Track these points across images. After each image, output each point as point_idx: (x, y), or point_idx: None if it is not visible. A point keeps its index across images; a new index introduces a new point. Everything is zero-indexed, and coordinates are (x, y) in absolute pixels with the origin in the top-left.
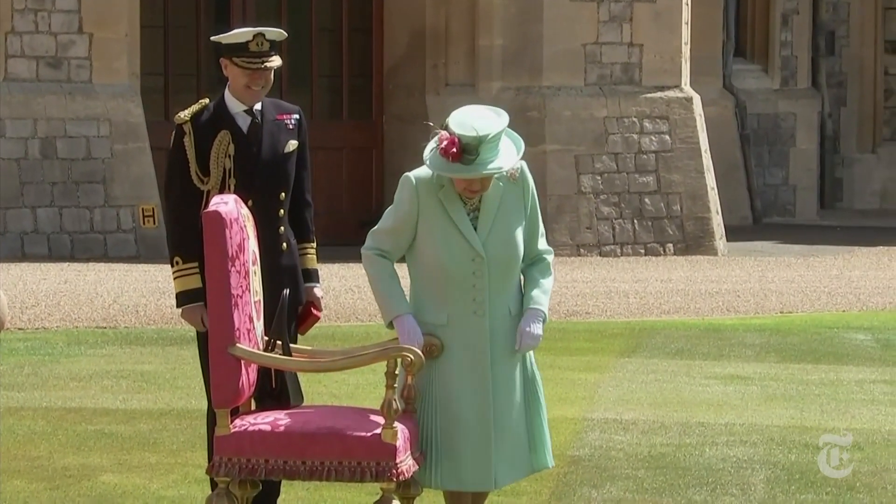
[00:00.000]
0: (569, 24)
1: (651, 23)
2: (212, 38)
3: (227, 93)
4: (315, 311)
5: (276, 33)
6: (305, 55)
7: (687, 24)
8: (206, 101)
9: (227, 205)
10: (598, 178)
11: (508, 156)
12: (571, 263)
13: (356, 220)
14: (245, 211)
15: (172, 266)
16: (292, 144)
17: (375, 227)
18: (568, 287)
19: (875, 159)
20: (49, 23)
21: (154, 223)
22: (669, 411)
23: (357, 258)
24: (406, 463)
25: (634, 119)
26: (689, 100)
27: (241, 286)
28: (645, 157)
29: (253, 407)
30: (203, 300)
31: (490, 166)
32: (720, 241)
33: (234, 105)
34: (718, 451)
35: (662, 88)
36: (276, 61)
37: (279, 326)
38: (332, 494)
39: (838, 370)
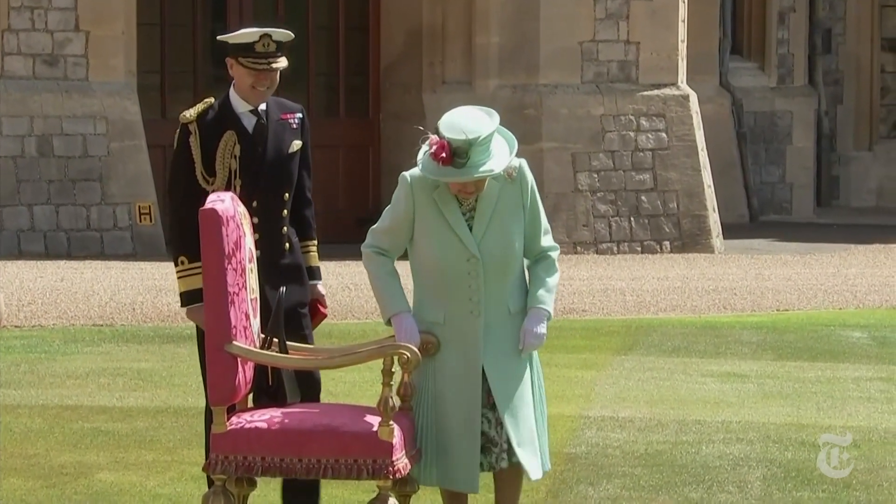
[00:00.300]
0: (565, 22)
1: (647, 20)
2: (218, 37)
3: (231, 92)
4: (321, 309)
5: (282, 34)
6: (302, 53)
7: (683, 21)
8: (211, 100)
9: (224, 202)
10: (595, 175)
11: (501, 156)
12: (568, 261)
13: (353, 217)
14: (241, 208)
15: (176, 265)
16: (296, 144)
17: (375, 225)
18: (565, 285)
19: (871, 157)
20: (46, 20)
21: (151, 221)
22: (666, 409)
23: (353, 256)
24: (402, 460)
25: (631, 117)
26: (686, 97)
27: (238, 284)
28: (641, 154)
29: (250, 404)
30: None
31: (481, 169)
32: (717, 238)
33: (239, 105)
34: (715, 448)
35: (659, 86)
36: (282, 62)
37: (276, 324)
38: (328, 492)
39: (835, 368)
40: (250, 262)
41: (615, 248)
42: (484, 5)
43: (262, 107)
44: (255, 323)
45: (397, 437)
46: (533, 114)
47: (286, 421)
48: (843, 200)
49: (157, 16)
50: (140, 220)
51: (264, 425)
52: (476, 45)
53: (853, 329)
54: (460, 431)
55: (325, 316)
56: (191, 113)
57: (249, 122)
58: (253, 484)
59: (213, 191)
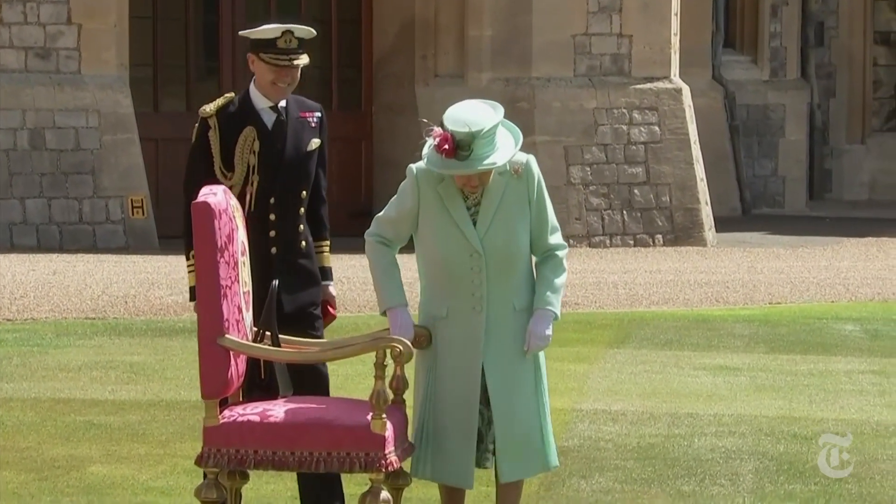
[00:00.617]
0: (558, 15)
1: (640, 14)
2: (240, 32)
3: (252, 88)
4: (331, 310)
5: (305, 31)
6: None
7: (676, 15)
8: (232, 95)
9: (216, 195)
10: (588, 169)
11: (505, 149)
12: None
13: (346, 210)
14: (234, 202)
15: (188, 259)
16: (314, 143)
17: (380, 213)
18: None
19: (864, 150)
20: (38, 13)
21: (143, 214)
22: (658, 402)
23: (346, 249)
24: (395, 453)
25: (624, 110)
26: (679, 91)
27: (230, 277)
28: (634, 148)
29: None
30: None
31: (485, 162)
32: (709, 231)
33: (260, 101)
34: (707, 441)
35: (652, 79)
36: (303, 59)
37: (268, 317)
38: None
39: (827, 361)
40: (242, 255)
41: (608, 242)
42: None
43: (282, 104)
44: (248, 316)
45: (390, 431)
46: (525, 107)
47: (278, 414)
48: (836, 193)
49: (149, 9)
50: (132, 214)
51: (257, 419)
52: (469, 37)
53: (845, 322)
54: (457, 427)
55: (334, 317)
56: (211, 107)
57: (269, 119)
58: (245, 477)
59: (231, 186)
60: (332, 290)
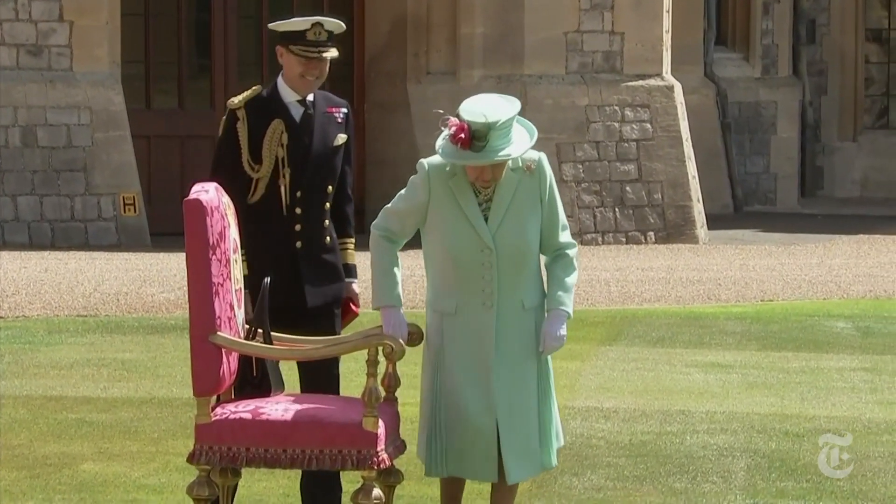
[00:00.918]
0: (550, 13)
1: (632, 11)
2: (269, 25)
3: (280, 81)
4: (353, 308)
5: (334, 24)
6: None
7: (668, 12)
8: (259, 87)
9: (208, 193)
10: (580, 166)
11: (521, 143)
12: None
13: None
14: (226, 199)
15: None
16: (341, 138)
17: (388, 205)
18: None
19: (856, 148)
20: (29, 10)
21: (135, 211)
22: (650, 399)
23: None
24: (387, 451)
25: (616, 107)
26: (671, 88)
27: (222, 274)
28: (626, 145)
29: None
30: (248, 287)
31: (501, 153)
32: (701, 229)
33: (288, 94)
34: (699, 438)
35: (644, 77)
36: (332, 52)
37: (260, 315)
38: None
39: (819, 358)
40: (234, 252)
41: (600, 239)
42: None
43: (310, 98)
44: (240, 314)
45: (382, 428)
46: None
47: (270, 412)
48: (828, 191)
49: (141, 6)
50: (124, 211)
51: (249, 416)
52: (461, 35)
53: (837, 319)
54: (476, 423)
55: (356, 315)
56: (239, 99)
57: (297, 112)
58: (237, 475)
59: (258, 179)
60: (356, 287)
